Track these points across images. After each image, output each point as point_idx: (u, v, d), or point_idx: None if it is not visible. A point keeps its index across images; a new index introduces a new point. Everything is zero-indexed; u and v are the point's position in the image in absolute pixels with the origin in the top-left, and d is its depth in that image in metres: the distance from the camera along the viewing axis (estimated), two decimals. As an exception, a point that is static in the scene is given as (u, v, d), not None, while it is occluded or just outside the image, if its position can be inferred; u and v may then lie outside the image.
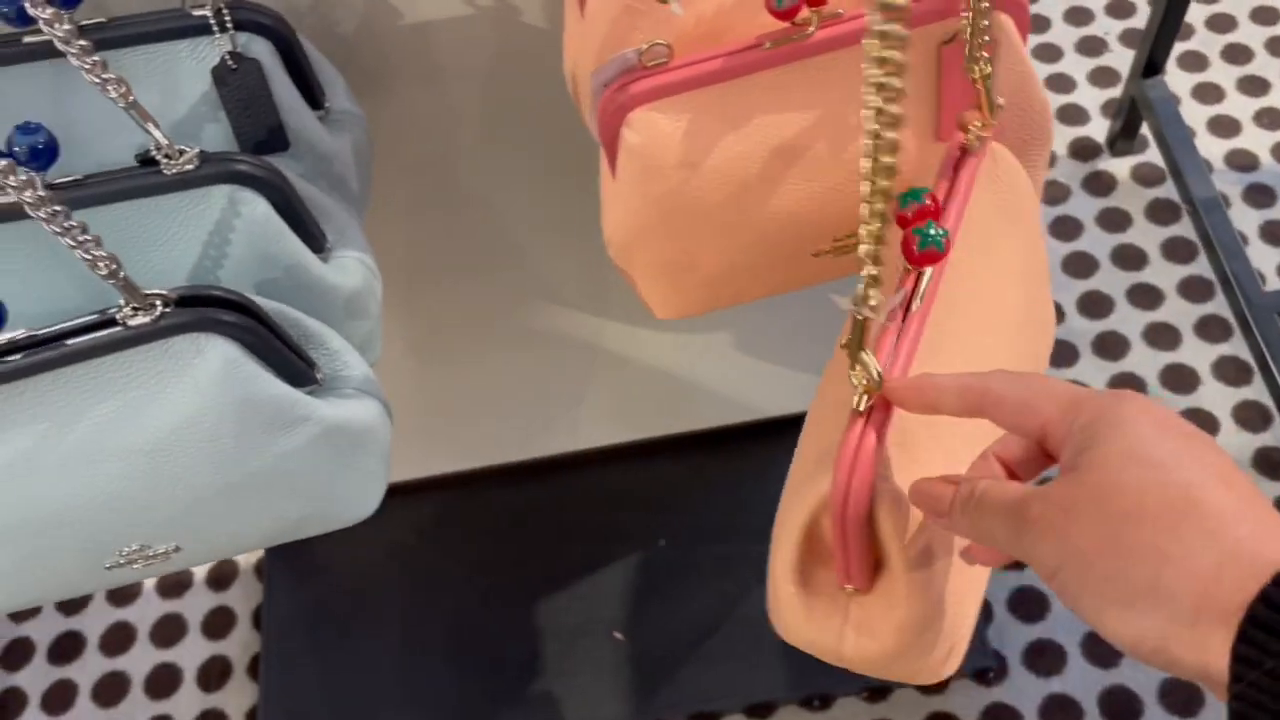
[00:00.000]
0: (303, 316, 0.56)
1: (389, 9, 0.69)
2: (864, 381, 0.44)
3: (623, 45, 0.60)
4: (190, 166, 0.55)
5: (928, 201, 0.50)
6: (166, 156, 0.54)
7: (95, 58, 0.49)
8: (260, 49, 0.60)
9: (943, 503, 0.41)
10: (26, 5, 0.54)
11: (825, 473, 0.45)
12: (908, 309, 0.49)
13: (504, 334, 0.99)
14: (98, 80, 0.50)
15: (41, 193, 0.53)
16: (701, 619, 1.12)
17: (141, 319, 0.49)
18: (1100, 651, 1.08)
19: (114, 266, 0.47)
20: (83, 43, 0.49)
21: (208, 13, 0.59)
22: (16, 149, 0.52)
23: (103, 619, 1.20)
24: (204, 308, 0.51)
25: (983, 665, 1.08)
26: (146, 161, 0.55)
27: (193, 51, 0.60)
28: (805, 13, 0.54)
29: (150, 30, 0.59)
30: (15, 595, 0.60)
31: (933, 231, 0.49)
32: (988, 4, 0.51)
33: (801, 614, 0.48)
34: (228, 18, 0.59)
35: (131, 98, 0.51)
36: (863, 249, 0.41)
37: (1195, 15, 1.48)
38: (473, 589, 1.16)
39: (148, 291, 0.49)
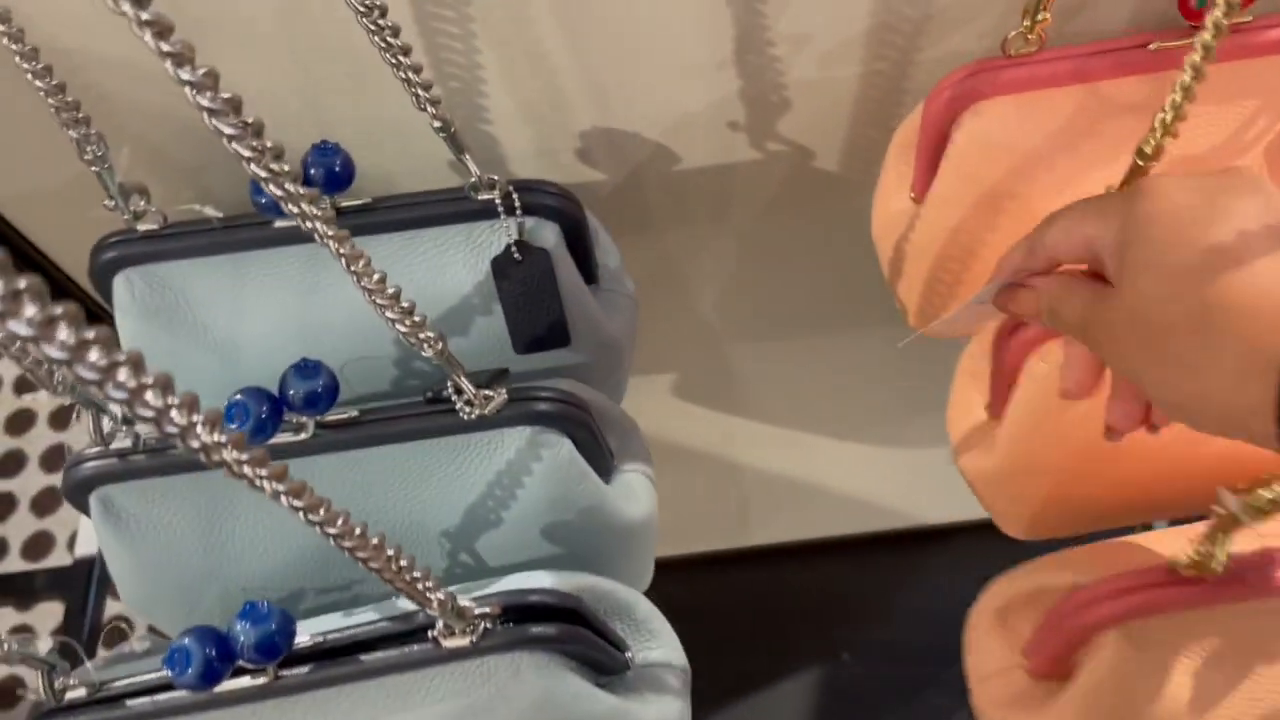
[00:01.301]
0: (614, 588, 0.46)
1: (666, 153, 0.58)
2: (1198, 558, 0.40)
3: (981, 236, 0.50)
4: (496, 411, 0.44)
5: None
6: (469, 403, 0.44)
7: (378, 280, 0.39)
8: (548, 235, 0.50)
9: (1029, 306, 0.40)
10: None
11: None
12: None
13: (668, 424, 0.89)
14: (383, 305, 0.39)
15: (311, 435, 0.44)
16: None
17: (458, 641, 0.39)
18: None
19: (442, 597, 0.37)
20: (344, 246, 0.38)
21: (494, 197, 0.48)
22: (291, 392, 0.43)
23: None
24: (524, 624, 0.41)
25: None
26: (436, 399, 0.45)
27: (469, 236, 0.50)
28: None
29: (423, 216, 0.49)
30: None
31: None
32: None
33: None
34: (516, 202, 0.49)
35: (440, 346, 0.41)
36: None
37: None
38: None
39: (477, 611, 0.39)
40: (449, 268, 0.50)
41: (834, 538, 1.08)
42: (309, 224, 0.32)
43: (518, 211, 0.49)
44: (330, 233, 0.33)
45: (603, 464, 0.50)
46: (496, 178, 0.48)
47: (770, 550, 1.09)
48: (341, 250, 0.34)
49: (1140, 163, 0.43)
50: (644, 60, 0.52)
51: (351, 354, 0.50)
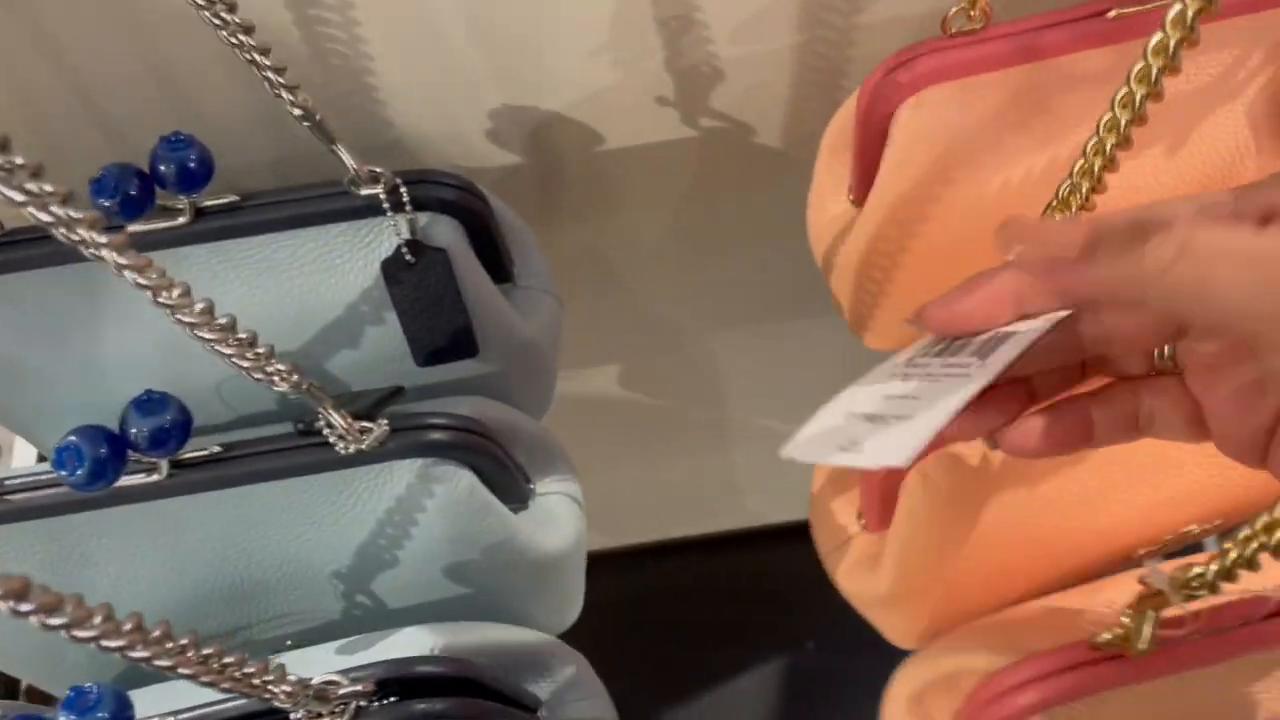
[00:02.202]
0: (523, 640, 0.41)
1: (589, 133, 0.52)
2: (1121, 635, 0.35)
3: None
4: (376, 444, 0.39)
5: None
6: (342, 438, 0.38)
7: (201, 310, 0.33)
8: (445, 231, 0.44)
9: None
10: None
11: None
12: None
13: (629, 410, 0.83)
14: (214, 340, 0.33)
15: (164, 477, 0.38)
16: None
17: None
18: None
19: (288, 689, 0.31)
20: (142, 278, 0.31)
21: (379, 191, 0.42)
22: (133, 432, 0.37)
23: None
24: (407, 700, 0.35)
25: None
26: (308, 431, 0.39)
27: (354, 236, 0.44)
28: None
29: (300, 214, 0.43)
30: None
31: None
32: None
33: None
34: (405, 197, 0.42)
35: (295, 379, 0.35)
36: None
37: None
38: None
39: (343, 691, 0.33)
40: (335, 273, 0.44)
41: (796, 522, 1.02)
42: (93, 252, 0.26)
43: (407, 207, 0.42)
44: (124, 261, 0.27)
45: (514, 492, 0.44)
46: (380, 170, 0.42)
47: (730, 536, 1.04)
48: (143, 281, 0.27)
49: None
50: (557, 29, 0.46)
51: (227, 372, 0.44)
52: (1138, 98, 0.30)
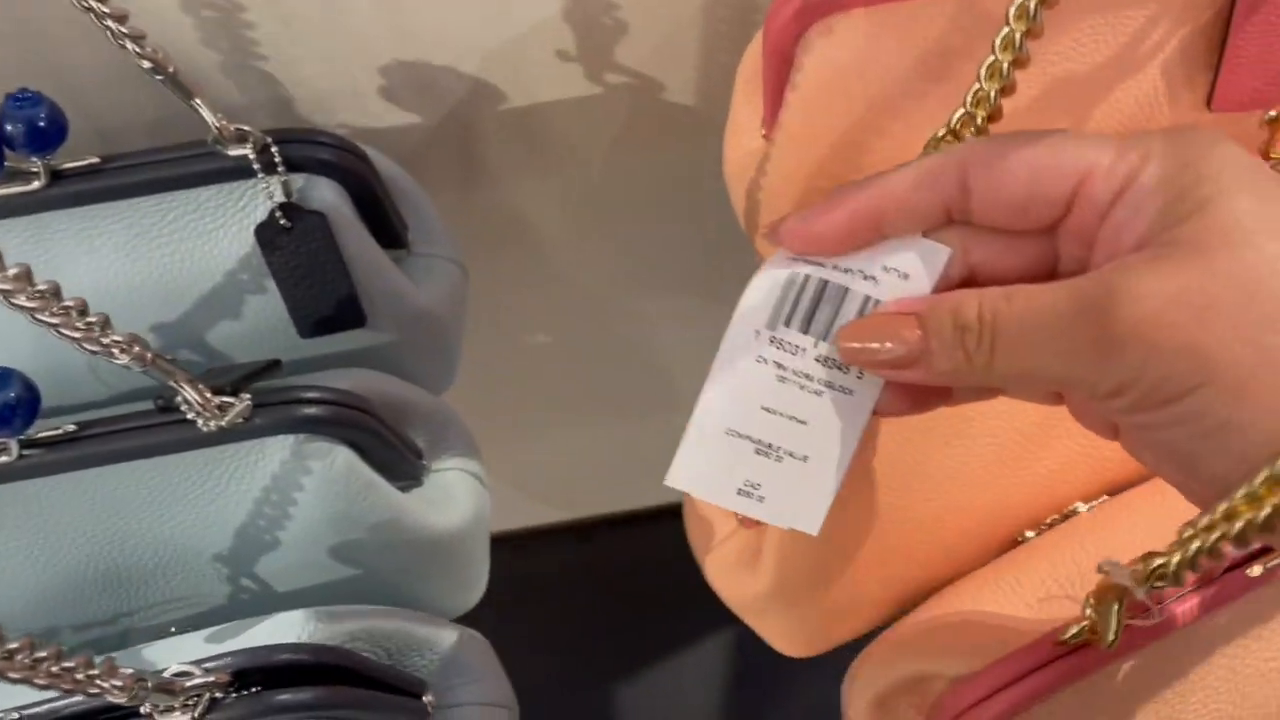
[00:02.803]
0: (402, 625, 0.39)
1: (491, 90, 0.50)
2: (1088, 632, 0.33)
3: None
4: (239, 420, 0.36)
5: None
6: (200, 414, 0.36)
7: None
8: (325, 194, 0.41)
9: (908, 342, 0.28)
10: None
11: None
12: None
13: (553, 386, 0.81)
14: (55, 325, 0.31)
15: (15, 458, 0.36)
16: None
17: (180, 718, 0.32)
18: None
19: (120, 683, 0.29)
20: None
21: (248, 151, 0.39)
22: (-26, 413, 0.34)
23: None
24: (268, 691, 0.33)
25: None
26: (168, 408, 0.37)
27: (226, 200, 0.41)
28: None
29: (164, 176, 0.40)
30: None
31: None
32: None
33: None
34: (277, 157, 0.40)
35: (136, 350, 0.32)
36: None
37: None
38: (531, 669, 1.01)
39: (193, 683, 0.31)
40: (209, 239, 0.42)
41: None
42: None
43: (279, 168, 0.40)
44: None
45: (403, 468, 0.42)
46: (248, 128, 0.39)
47: (661, 510, 1.03)
48: (-66, 243, 0.25)
49: (985, 89, 0.34)
50: (446, -21, 0.44)
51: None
52: (1018, 37, 0.28)
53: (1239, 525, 0.24)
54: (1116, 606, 0.30)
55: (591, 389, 0.76)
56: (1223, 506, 0.24)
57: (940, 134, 0.31)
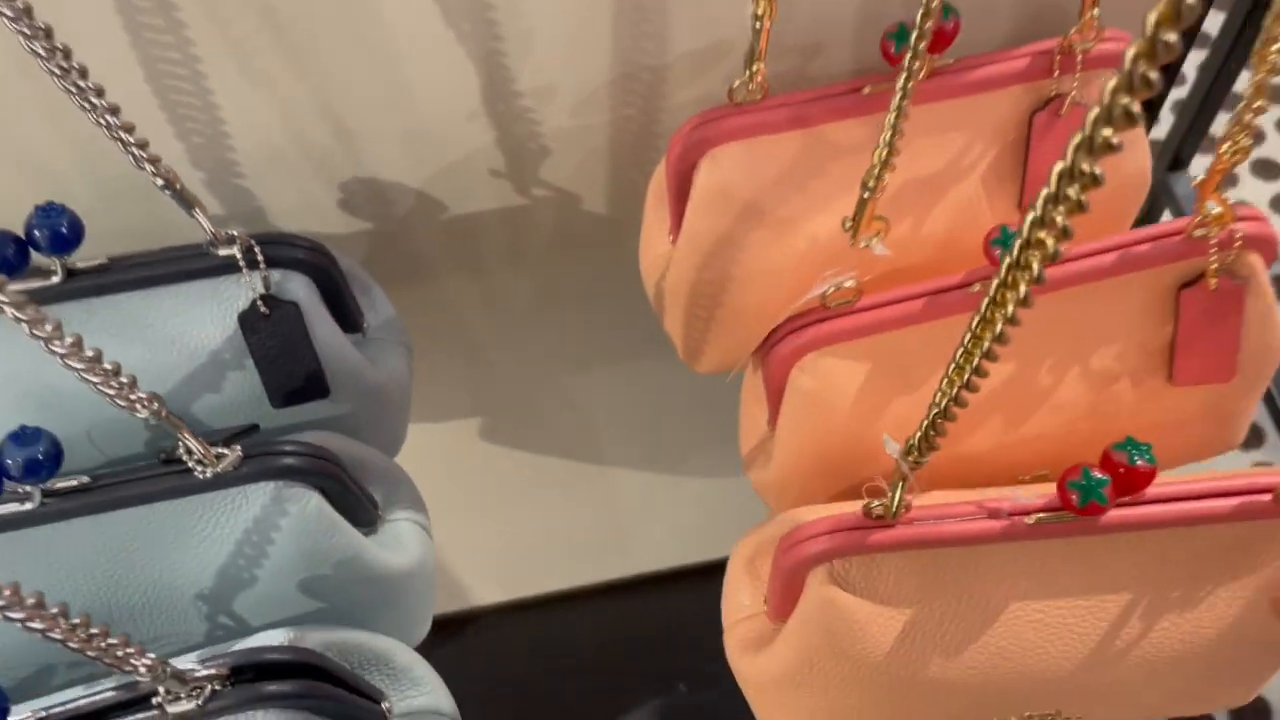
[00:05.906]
0: (368, 639, 0.46)
1: (433, 202, 0.59)
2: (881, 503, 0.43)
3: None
4: (231, 468, 0.44)
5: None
6: (200, 463, 0.43)
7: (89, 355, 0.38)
8: (297, 287, 0.50)
9: None
10: None
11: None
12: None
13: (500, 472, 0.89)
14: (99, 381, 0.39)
15: (37, 506, 0.43)
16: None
17: (183, 706, 0.39)
18: None
19: (148, 663, 0.36)
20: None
21: (235, 251, 0.48)
22: (9, 462, 0.41)
23: None
24: (258, 682, 0.40)
25: None
26: (172, 459, 0.44)
27: (214, 292, 0.49)
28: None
29: (162, 274, 0.48)
30: None
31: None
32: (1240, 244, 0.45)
33: None
34: (259, 256, 0.48)
35: (155, 406, 0.40)
36: None
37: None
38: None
39: (200, 674, 0.38)
40: (196, 324, 0.50)
41: (666, 570, 1.09)
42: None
43: (261, 265, 0.48)
44: (21, 315, 0.32)
45: (362, 515, 0.50)
46: (236, 232, 0.48)
47: (599, 588, 1.10)
48: (21, 316, 0.33)
49: (866, 195, 0.46)
50: (396, 111, 0.53)
51: (95, 418, 0.49)
52: (884, 153, 0.39)
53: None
54: (900, 484, 0.40)
55: (524, 466, 0.84)
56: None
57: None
